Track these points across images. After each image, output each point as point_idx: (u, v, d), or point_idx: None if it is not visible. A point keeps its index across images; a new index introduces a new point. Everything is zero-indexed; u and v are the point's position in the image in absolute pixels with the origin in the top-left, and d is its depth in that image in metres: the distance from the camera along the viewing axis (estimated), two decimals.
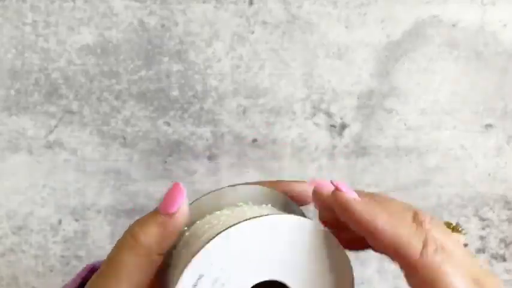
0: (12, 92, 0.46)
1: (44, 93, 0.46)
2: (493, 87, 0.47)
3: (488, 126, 0.48)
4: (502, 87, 0.47)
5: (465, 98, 0.47)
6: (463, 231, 0.29)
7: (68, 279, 0.48)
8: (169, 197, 0.25)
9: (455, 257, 0.25)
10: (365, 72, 0.47)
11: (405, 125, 0.47)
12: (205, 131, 0.47)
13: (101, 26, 0.45)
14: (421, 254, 0.24)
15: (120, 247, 0.25)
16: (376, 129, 0.47)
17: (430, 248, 0.24)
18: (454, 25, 0.47)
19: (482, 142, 0.48)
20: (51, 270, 0.48)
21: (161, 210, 0.25)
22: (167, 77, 0.46)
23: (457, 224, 0.29)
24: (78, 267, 0.48)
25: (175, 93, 0.46)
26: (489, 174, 0.48)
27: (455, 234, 0.27)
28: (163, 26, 0.46)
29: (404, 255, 0.24)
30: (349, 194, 0.26)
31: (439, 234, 0.25)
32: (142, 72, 0.46)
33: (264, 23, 0.46)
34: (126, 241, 0.25)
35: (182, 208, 0.25)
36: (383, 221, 0.24)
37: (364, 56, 0.47)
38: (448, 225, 0.29)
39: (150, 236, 0.25)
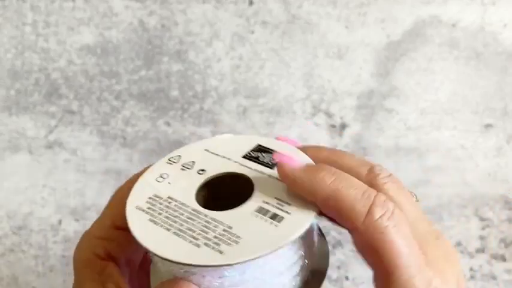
0: (12, 92, 0.46)
1: (44, 93, 0.46)
2: (493, 87, 0.47)
3: (488, 126, 0.48)
4: (502, 87, 0.47)
5: (465, 98, 0.47)
6: (416, 198, 0.28)
7: (69, 279, 0.48)
8: None
9: (406, 216, 0.23)
10: (365, 72, 0.47)
11: (405, 125, 0.47)
12: (205, 131, 0.47)
13: (101, 26, 0.45)
14: (365, 218, 0.23)
15: None
16: (376, 129, 0.47)
17: (376, 212, 0.23)
18: (454, 25, 0.47)
19: (483, 142, 0.48)
20: (51, 270, 0.48)
21: None
22: (167, 77, 0.46)
23: (410, 192, 0.28)
24: None
25: (175, 93, 0.46)
26: (489, 174, 0.48)
27: (409, 193, 0.26)
28: (163, 26, 0.46)
29: (347, 220, 0.23)
30: (290, 165, 0.25)
31: (394, 191, 0.25)
32: (142, 72, 0.46)
33: (264, 23, 0.46)
34: None
35: None
36: (324, 185, 0.23)
37: (364, 56, 0.47)
38: None
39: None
